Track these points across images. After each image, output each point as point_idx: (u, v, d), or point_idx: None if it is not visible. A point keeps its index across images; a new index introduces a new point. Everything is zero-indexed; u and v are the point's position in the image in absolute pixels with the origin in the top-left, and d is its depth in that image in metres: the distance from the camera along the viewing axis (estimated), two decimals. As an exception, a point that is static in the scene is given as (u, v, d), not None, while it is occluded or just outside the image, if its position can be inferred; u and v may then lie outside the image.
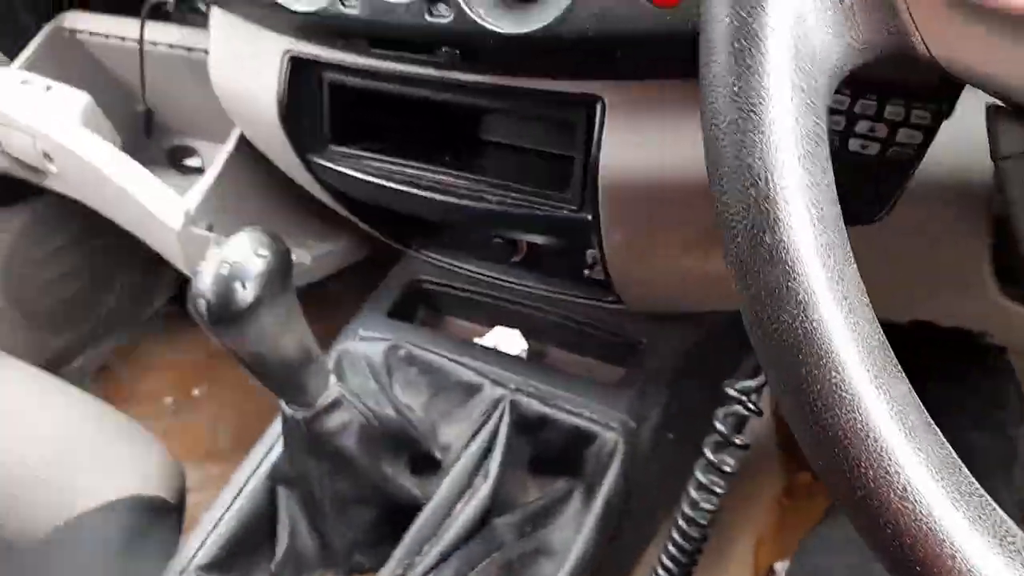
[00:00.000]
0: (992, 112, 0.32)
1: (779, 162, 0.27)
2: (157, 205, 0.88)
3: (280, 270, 0.58)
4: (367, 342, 0.88)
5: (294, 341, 0.61)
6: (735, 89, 0.28)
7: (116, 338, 1.57)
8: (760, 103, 0.28)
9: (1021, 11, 0.25)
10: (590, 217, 0.69)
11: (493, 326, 1.00)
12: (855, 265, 0.29)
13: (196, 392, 1.52)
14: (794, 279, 0.27)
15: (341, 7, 0.64)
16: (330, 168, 0.80)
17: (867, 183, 0.56)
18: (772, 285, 0.27)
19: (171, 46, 1.10)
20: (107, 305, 1.52)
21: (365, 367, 0.83)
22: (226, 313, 0.55)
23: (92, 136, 0.93)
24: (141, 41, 1.09)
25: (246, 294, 0.55)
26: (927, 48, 0.28)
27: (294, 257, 1.08)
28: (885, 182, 0.56)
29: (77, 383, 1.49)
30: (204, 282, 0.55)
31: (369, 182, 0.77)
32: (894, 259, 0.71)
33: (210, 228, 0.92)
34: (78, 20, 1.20)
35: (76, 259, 1.43)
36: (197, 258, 0.91)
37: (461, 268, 0.98)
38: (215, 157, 1.02)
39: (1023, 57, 0.25)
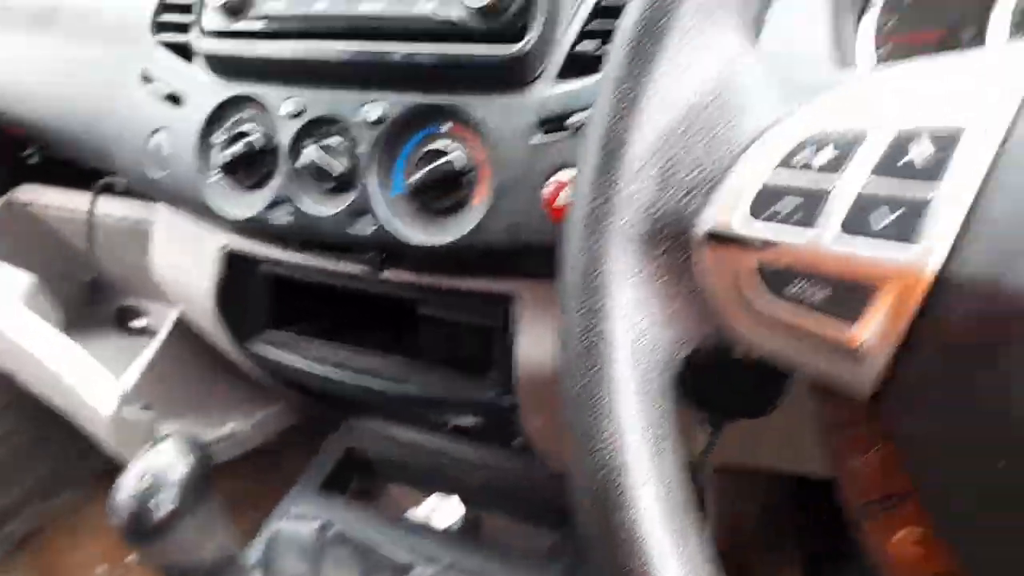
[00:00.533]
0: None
1: (624, 449, 0.31)
2: (90, 389, 0.89)
3: (200, 478, 0.59)
4: (298, 521, 0.88)
5: (214, 548, 0.61)
6: (582, 385, 0.32)
7: (50, 503, 1.52)
8: (603, 397, 0.32)
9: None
10: (510, 404, 0.72)
11: (430, 492, 1.01)
12: (699, 521, 0.33)
13: (130, 558, 1.46)
14: (639, 557, 0.30)
15: (270, 217, 0.69)
16: (264, 354, 0.83)
17: (750, 385, 0.60)
18: (620, 564, 0.31)
19: (119, 219, 1.14)
20: (41, 470, 1.48)
21: (296, 550, 0.82)
22: (144, 526, 0.56)
23: (32, 318, 0.95)
24: (91, 216, 1.14)
25: (165, 506, 0.56)
26: (743, 341, 0.33)
27: (233, 426, 1.09)
28: (765, 385, 0.61)
29: (7, 550, 1.43)
30: (122, 496, 0.56)
31: (300, 368, 0.80)
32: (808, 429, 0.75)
33: (147, 407, 0.93)
34: (32, 193, 1.25)
35: (9, 424, 1.41)
36: (128, 442, 0.92)
37: (396, 436, 0.99)
38: (160, 322, 1.04)
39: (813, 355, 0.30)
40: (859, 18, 0.72)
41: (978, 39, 0.68)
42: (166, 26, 0.81)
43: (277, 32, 0.69)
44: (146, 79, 0.79)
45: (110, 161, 0.85)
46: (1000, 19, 0.67)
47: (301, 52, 0.67)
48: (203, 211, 0.75)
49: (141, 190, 0.83)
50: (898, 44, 0.72)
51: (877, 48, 0.72)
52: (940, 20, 0.70)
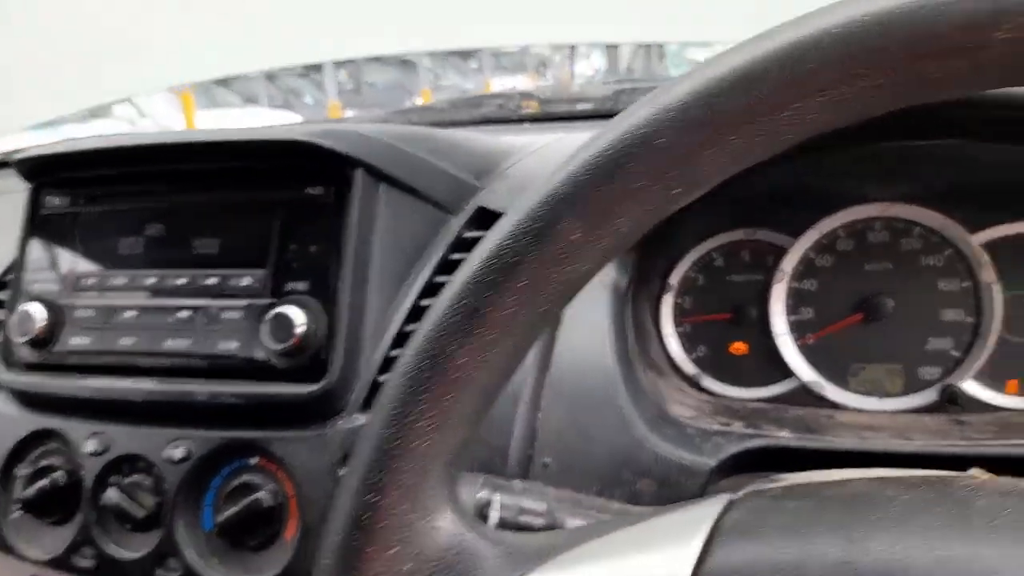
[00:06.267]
0: None
1: None
2: None
3: None
4: None
5: None
6: None
7: None
8: None
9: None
10: None
11: None
12: None
13: None
14: None
15: (71, 559, 0.66)
16: None
17: None
18: None
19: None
20: None
21: None
22: None
23: None
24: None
25: None
26: None
27: None
28: None
29: None
30: None
31: None
32: None
33: None
34: None
35: None
36: None
37: None
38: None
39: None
40: (659, 300, 0.79)
41: (762, 318, 0.74)
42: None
43: (82, 367, 0.68)
44: (-52, 406, 0.76)
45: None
46: (778, 299, 0.74)
47: (105, 390, 0.66)
48: (3, 548, 0.70)
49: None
50: (695, 324, 0.78)
51: (676, 327, 0.78)
52: (727, 302, 0.76)
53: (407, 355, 0.32)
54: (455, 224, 0.71)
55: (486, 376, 0.32)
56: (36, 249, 0.74)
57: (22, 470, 0.69)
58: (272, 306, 0.63)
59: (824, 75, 0.27)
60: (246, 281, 0.65)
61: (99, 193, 0.73)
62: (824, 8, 0.28)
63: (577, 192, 0.30)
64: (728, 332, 0.76)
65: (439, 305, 0.32)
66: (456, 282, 0.32)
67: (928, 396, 0.66)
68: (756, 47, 0.28)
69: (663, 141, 0.29)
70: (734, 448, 0.56)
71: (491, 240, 0.32)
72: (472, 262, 0.32)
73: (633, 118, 0.30)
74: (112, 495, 0.63)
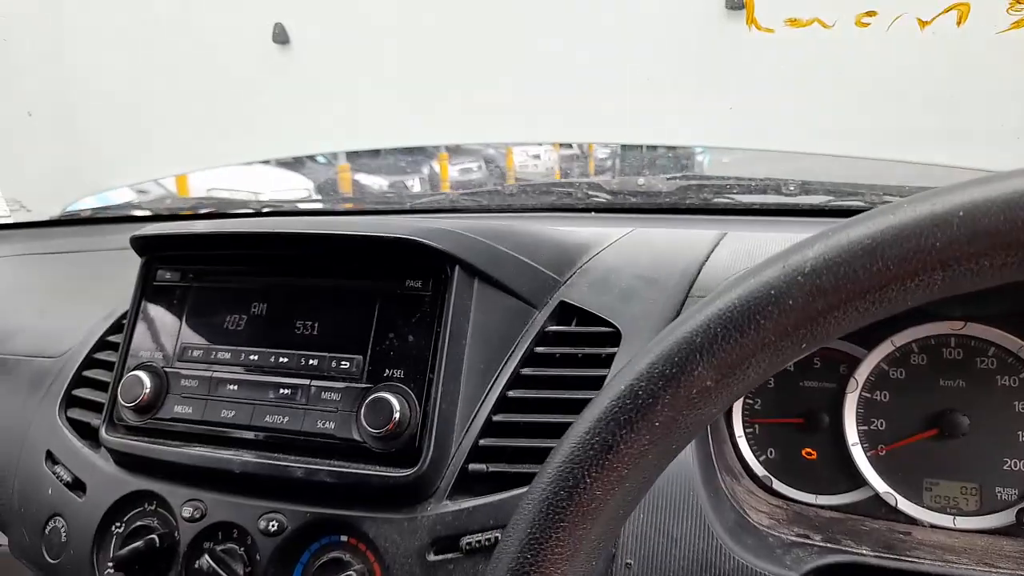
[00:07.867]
0: None
1: None
2: None
3: None
4: None
5: None
6: None
7: None
8: None
9: None
10: None
11: None
12: None
13: None
14: None
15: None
16: None
17: None
18: None
19: None
20: None
21: None
22: None
23: None
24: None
25: None
26: None
27: None
28: None
29: None
30: None
31: None
32: None
33: None
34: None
35: None
36: None
37: None
38: None
39: None
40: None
41: (833, 425, 0.76)
42: (76, 402, 0.84)
43: (183, 434, 0.72)
44: (51, 459, 0.80)
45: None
46: (850, 409, 0.76)
47: (205, 458, 0.70)
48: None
49: (33, 570, 0.81)
50: (764, 426, 0.79)
51: (746, 428, 0.79)
52: (797, 407, 0.78)
53: (543, 483, 0.35)
54: (539, 318, 0.75)
55: (616, 507, 0.35)
56: (146, 318, 0.79)
57: (118, 529, 0.73)
58: (369, 391, 0.67)
59: (951, 253, 0.30)
60: (345, 365, 0.69)
61: (208, 270, 0.79)
62: (951, 188, 0.31)
63: (711, 343, 0.33)
64: (798, 437, 0.77)
65: (573, 437, 0.35)
66: (590, 416, 0.35)
67: (1005, 518, 0.66)
68: (886, 219, 0.31)
69: (793, 303, 0.32)
70: (816, 562, 0.57)
71: (626, 379, 0.34)
72: (606, 398, 0.35)
73: (765, 276, 0.33)
74: (206, 561, 0.67)
